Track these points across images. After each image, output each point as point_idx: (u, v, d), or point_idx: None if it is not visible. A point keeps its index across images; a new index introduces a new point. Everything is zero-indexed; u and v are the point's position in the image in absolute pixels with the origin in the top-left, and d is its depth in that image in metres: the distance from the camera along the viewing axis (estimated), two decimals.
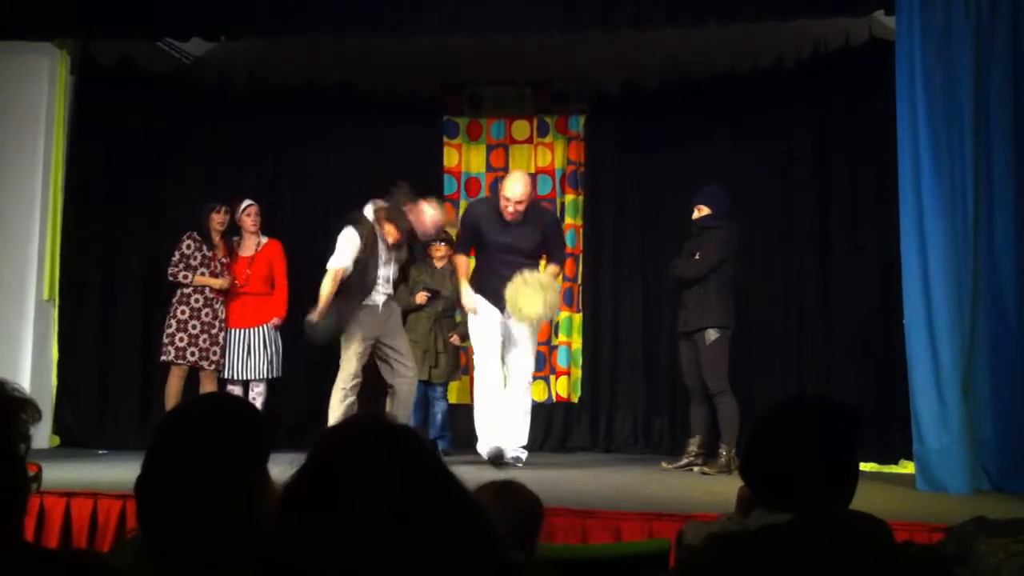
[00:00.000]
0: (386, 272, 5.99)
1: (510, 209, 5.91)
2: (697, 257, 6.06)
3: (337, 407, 5.74)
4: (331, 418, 5.68)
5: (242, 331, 6.61)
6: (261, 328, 6.62)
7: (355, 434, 1.23)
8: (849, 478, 1.90)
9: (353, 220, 5.84)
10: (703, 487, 5.09)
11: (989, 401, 4.99)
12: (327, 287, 5.68)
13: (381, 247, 5.88)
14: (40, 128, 6.81)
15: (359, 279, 5.79)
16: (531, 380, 6.22)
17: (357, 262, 5.76)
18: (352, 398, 5.81)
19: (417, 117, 7.86)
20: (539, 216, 6.20)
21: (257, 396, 6.54)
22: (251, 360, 6.56)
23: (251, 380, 6.58)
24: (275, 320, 6.63)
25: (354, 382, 5.81)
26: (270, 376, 6.62)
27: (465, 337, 6.69)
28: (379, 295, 5.94)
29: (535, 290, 5.74)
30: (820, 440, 1.88)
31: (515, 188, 5.92)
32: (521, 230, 5.98)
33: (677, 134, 7.36)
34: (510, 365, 6.04)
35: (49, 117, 6.87)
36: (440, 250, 6.95)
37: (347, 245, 5.76)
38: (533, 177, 7.94)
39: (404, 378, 5.95)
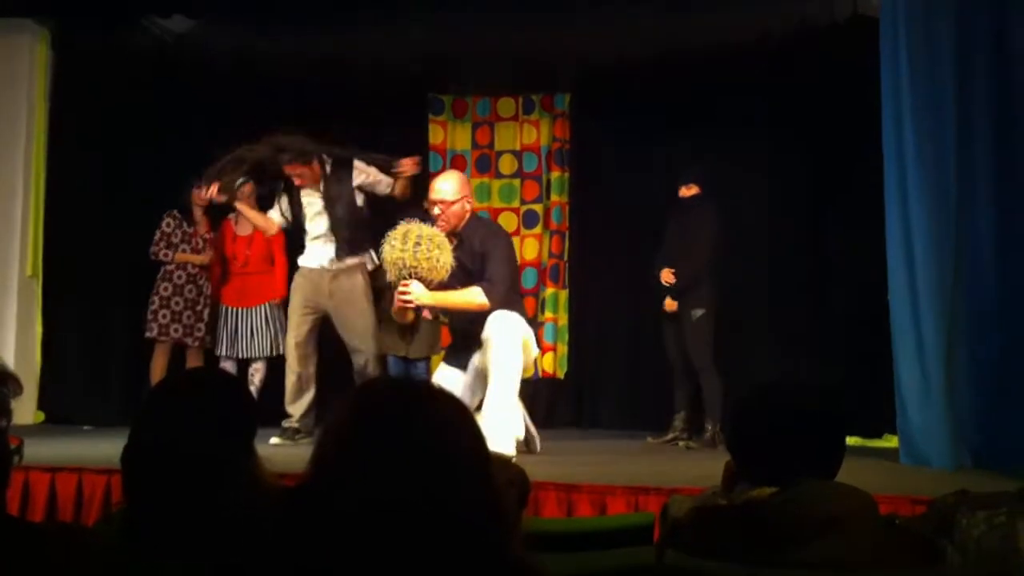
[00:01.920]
0: (316, 227, 5.60)
1: (435, 210, 4.84)
2: (691, 244, 6.01)
3: (288, 389, 5.52)
4: (286, 402, 5.51)
5: (245, 310, 6.58)
6: (263, 307, 6.59)
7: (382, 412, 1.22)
8: (836, 455, 1.91)
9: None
10: (688, 462, 5.12)
11: (971, 377, 5.02)
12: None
13: (302, 197, 5.59)
14: (21, 105, 6.77)
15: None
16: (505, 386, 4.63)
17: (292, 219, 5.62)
18: (297, 374, 5.47)
19: (402, 93, 7.82)
20: (478, 230, 4.96)
21: (256, 373, 6.54)
22: (254, 340, 6.55)
23: (252, 358, 6.57)
24: (276, 299, 6.59)
25: (297, 355, 5.48)
26: (271, 354, 6.59)
27: (436, 314, 6.70)
28: (314, 255, 5.61)
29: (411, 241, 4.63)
30: (808, 417, 1.89)
31: (437, 183, 4.95)
32: (457, 253, 4.76)
33: (663, 111, 7.34)
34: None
35: (30, 94, 6.82)
36: None
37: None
38: (519, 155, 7.93)
39: (356, 353, 5.62)
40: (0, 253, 6.69)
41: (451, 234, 4.79)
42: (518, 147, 7.90)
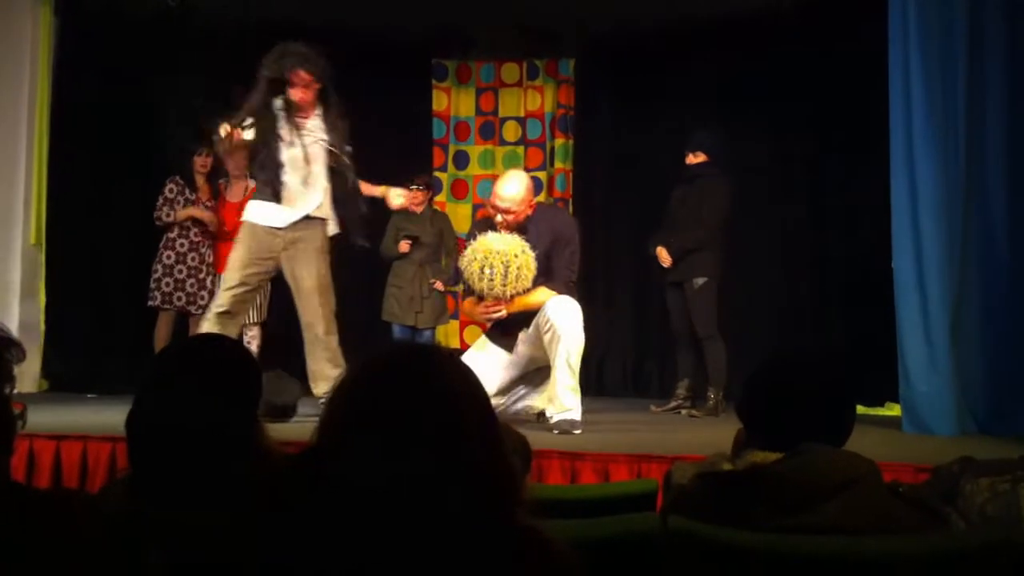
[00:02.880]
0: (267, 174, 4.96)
1: (499, 218, 4.80)
2: (699, 214, 5.98)
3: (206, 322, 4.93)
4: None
5: None
6: None
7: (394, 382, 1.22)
8: (846, 424, 1.91)
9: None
10: (691, 430, 5.12)
11: (977, 344, 5.00)
12: None
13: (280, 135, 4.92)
14: (24, 70, 6.73)
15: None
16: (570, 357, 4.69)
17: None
18: (210, 322, 4.84)
19: (406, 59, 7.78)
20: (548, 219, 4.96)
21: (252, 339, 6.54)
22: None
23: (247, 323, 6.56)
24: None
25: (219, 309, 4.89)
26: (263, 319, 6.58)
27: (448, 283, 6.71)
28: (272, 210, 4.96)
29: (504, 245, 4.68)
30: (821, 386, 1.89)
31: (502, 188, 4.82)
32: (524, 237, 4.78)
33: (669, 77, 7.30)
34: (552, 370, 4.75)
35: (33, 59, 6.78)
36: (419, 196, 6.92)
37: None
38: (523, 121, 7.90)
39: (305, 323, 5.01)
40: (3, 221, 6.68)
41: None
42: (522, 113, 7.87)
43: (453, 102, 8.00)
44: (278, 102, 4.92)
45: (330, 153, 5.04)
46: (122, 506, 1.65)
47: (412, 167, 7.54)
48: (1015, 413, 4.85)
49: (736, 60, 7.06)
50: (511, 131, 7.94)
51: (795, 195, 7.06)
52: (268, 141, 4.88)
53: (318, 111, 5.04)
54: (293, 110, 4.93)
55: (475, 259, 4.66)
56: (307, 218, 4.97)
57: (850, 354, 6.16)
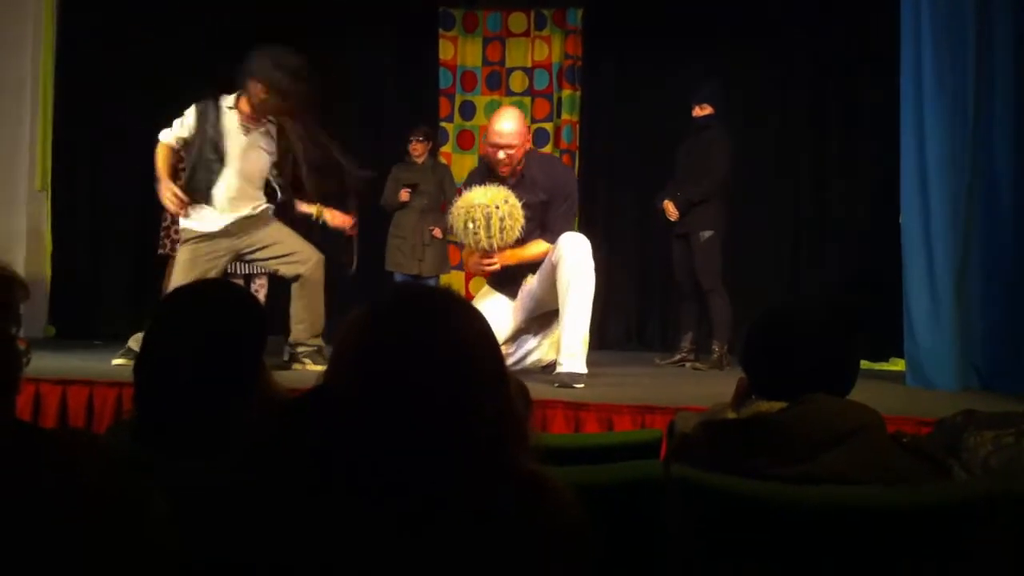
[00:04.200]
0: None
1: (500, 155, 4.67)
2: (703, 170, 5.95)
3: None
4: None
5: None
6: None
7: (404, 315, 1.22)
8: (849, 374, 1.89)
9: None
10: (694, 382, 5.14)
11: (981, 300, 5.00)
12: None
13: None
14: (28, 17, 6.67)
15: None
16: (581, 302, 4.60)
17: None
18: None
19: (412, 8, 7.71)
20: (546, 170, 4.89)
21: (260, 288, 6.53)
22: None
23: (254, 274, 6.55)
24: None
25: None
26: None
27: (446, 231, 6.71)
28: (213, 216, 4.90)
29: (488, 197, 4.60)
30: (822, 335, 1.88)
31: (500, 124, 4.69)
32: (517, 191, 4.67)
33: (677, 27, 7.23)
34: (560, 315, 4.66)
35: (38, 4, 6.72)
36: (418, 148, 6.96)
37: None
38: (530, 72, 7.83)
39: (303, 265, 4.98)
40: (8, 167, 6.66)
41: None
42: (529, 64, 7.81)
43: (460, 51, 7.93)
44: (229, 99, 4.82)
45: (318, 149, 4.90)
46: (127, 448, 1.65)
47: (417, 117, 7.50)
48: (1017, 370, 4.85)
49: (745, 11, 6.98)
50: (518, 81, 7.88)
51: (803, 148, 7.02)
52: (210, 140, 4.77)
53: (270, 123, 4.90)
54: (246, 113, 4.81)
55: (458, 215, 4.61)
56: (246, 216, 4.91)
57: (857, 308, 6.16)
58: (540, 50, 7.82)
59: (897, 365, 5.67)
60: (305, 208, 5.18)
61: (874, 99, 6.42)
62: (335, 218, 5.21)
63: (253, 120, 4.84)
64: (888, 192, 5.29)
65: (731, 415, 1.85)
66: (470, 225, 4.56)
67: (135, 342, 4.97)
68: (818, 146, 7.00)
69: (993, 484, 1.80)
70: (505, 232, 4.58)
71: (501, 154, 4.66)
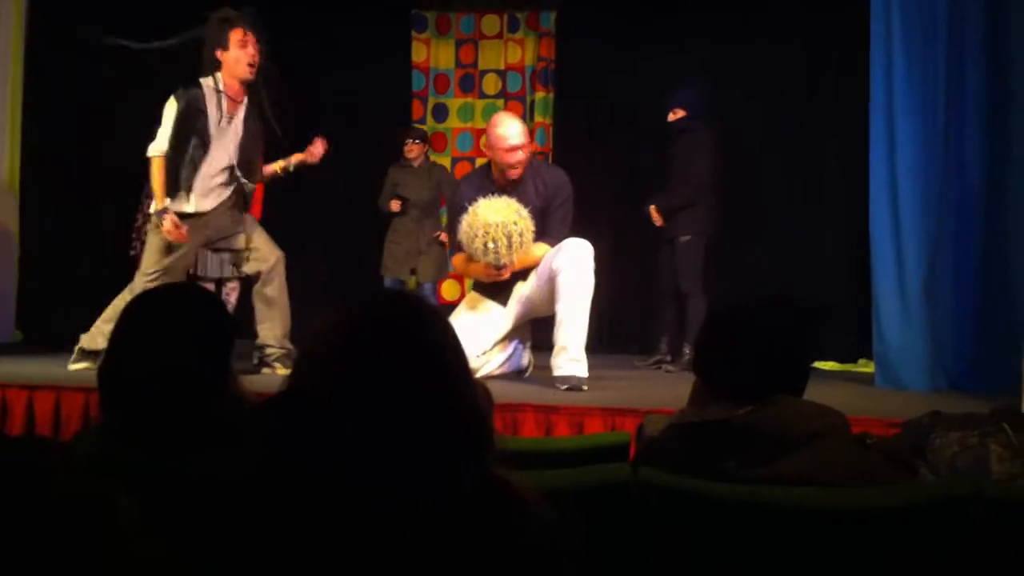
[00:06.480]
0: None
1: (519, 156, 4.72)
2: (683, 174, 5.97)
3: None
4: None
5: None
6: None
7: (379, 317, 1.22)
8: (799, 374, 1.89)
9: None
10: (665, 384, 5.15)
11: (951, 300, 5.04)
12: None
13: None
14: None
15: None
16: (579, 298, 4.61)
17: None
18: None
19: (385, 9, 7.69)
20: (543, 176, 4.93)
21: (231, 292, 6.50)
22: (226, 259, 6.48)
23: (225, 278, 6.52)
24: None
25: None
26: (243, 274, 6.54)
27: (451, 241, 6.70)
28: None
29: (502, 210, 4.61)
30: (764, 337, 1.87)
31: (507, 129, 4.72)
32: (517, 198, 4.70)
33: (650, 30, 7.25)
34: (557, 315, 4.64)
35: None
36: (414, 150, 6.88)
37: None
38: (503, 74, 7.84)
39: (264, 263, 5.03)
40: None
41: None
42: (502, 66, 7.82)
43: (432, 54, 7.93)
44: (209, 82, 4.78)
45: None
46: (95, 452, 1.64)
47: (390, 120, 7.48)
48: (986, 370, 4.89)
49: (719, 11, 7.01)
50: (491, 84, 7.89)
51: (774, 148, 7.05)
52: (193, 128, 4.73)
53: (246, 99, 4.89)
54: (225, 94, 4.79)
55: (476, 236, 4.56)
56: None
57: (825, 310, 6.19)
58: (513, 53, 7.83)
59: (867, 367, 5.70)
60: (270, 168, 5.19)
61: (843, 101, 6.46)
62: (305, 155, 5.16)
63: (235, 104, 4.83)
64: (858, 193, 5.31)
65: (696, 419, 1.85)
66: (490, 245, 4.55)
67: (88, 340, 4.94)
68: (790, 146, 7.03)
69: (960, 485, 1.82)
70: (524, 245, 4.60)
71: (520, 154, 4.70)
